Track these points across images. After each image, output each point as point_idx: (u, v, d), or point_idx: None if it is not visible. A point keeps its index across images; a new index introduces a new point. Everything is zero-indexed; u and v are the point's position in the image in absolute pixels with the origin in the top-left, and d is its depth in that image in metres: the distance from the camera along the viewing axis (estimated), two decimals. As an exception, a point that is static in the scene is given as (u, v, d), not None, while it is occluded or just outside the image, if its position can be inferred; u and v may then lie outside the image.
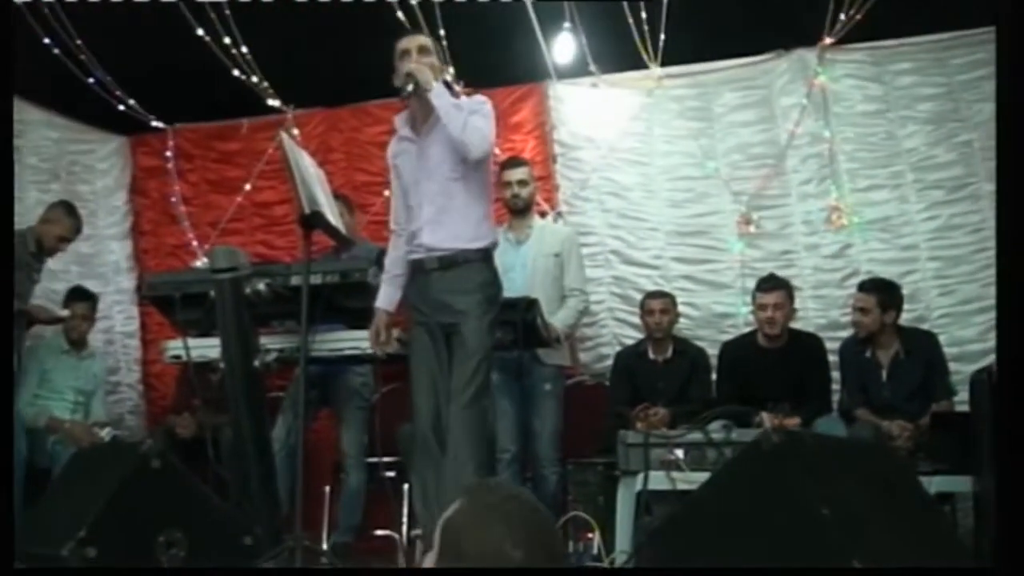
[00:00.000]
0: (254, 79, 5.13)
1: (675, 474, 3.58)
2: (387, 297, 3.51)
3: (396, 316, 3.56)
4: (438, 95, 3.28)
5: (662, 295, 4.78)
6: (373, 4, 4.60)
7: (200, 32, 4.70)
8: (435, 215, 3.34)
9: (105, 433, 4.43)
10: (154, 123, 5.67)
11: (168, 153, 5.82)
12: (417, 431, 3.33)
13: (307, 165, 3.41)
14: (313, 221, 3.35)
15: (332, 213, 3.55)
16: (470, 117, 3.28)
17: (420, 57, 3.37)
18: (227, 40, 4.84)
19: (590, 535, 3.65)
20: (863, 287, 4.47)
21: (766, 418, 3.92)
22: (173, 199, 5.82)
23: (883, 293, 4.41)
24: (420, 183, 3.39)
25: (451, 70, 3.45)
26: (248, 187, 5.69)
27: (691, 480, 3.59)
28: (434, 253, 3.35)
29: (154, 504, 2.97)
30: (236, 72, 4.97)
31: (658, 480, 3.62)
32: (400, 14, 4.67)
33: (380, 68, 5.20)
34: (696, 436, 3.65)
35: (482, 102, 3.41)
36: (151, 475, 3.00)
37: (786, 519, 2.46)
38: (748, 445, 2.67)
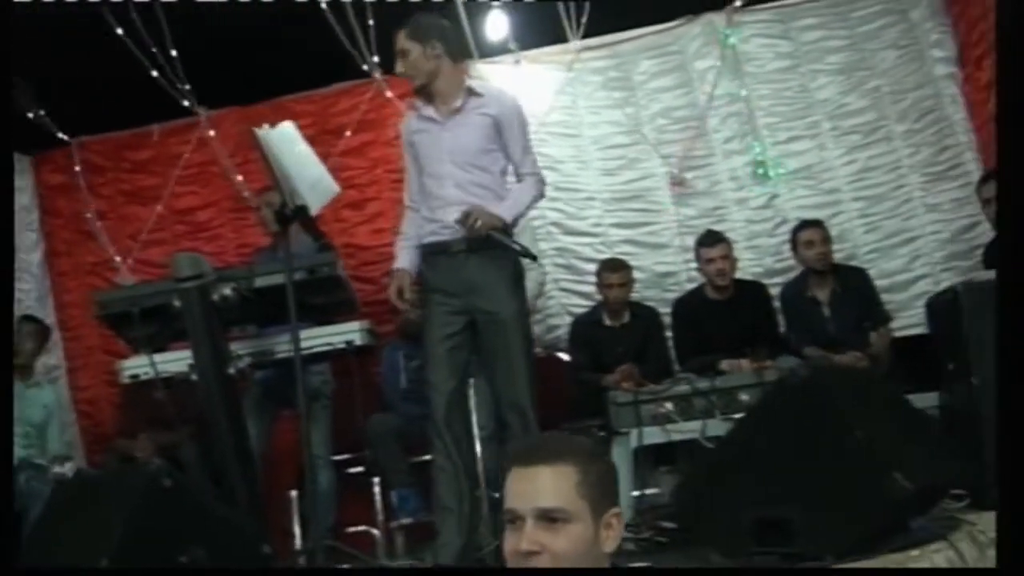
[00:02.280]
0: (165, 82, 4.92)
1: (669, 426, 3.72)
2: (410, 260, 3.46)
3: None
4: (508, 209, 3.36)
5: (619, 267, 4.79)
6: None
7: (120, 31, 4.47)
8: (461, 197, 3.34)
9: (67, 468, 4.17)
10: (59, 136, 5.35)
11: (76, 168, 5.51)
12: (434, 410, 3.31)
13: (289, 154, 3.21)
14: (296, 216, 3.25)
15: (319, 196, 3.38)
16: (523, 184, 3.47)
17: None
18: (134, 44, 4.63)
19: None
20: (803, 226, 4.70)
21: (744, 364, 4.06)
22: (88, 215, 5.52)
23: (822, 227, 4.68)
24: (443, 164, 3.38)
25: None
26: (168, 194, 5.47)
27: (683, 430, 3.75)
28: (459, 234, 3.32)
29: (170, 524, 2.86)
30: (154, 73, 4.75)
31: (651, 434, 3.77)
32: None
33: (292, 62, 5.14)
34: (683, 388, 3.79)
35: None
36: (163, 495, 2.88)
37: (823, 447, 2.61)
38: (774, 384, 2.81)
